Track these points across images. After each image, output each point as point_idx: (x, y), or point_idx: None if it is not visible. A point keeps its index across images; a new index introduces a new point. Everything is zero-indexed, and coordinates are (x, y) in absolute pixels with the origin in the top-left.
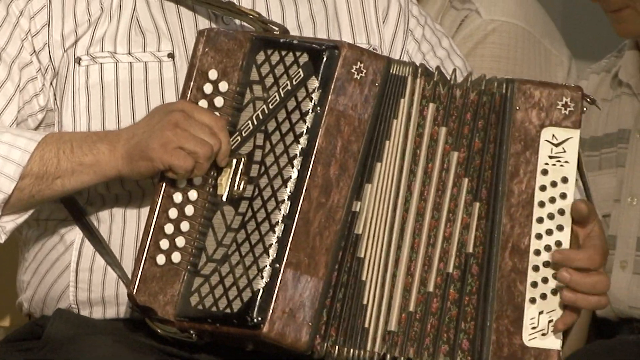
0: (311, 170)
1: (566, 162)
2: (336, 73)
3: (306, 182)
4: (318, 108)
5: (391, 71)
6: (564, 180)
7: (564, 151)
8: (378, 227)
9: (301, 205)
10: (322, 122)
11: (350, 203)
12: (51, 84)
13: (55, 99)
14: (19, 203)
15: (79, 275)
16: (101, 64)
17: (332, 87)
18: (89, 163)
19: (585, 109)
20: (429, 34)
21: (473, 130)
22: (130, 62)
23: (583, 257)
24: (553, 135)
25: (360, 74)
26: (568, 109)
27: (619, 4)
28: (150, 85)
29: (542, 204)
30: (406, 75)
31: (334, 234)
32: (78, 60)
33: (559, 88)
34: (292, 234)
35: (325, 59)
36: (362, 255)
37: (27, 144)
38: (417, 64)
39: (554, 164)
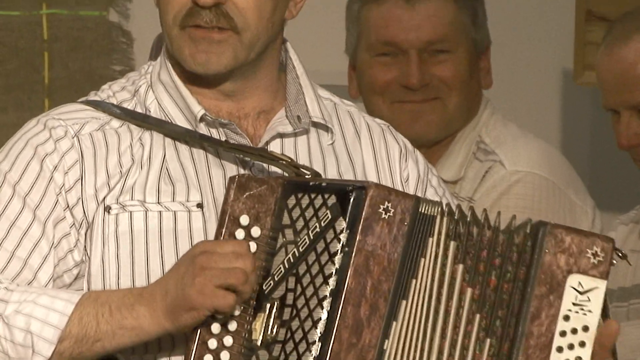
0: (341, 311)
1: (589, 311)
2: (364, 213)
3: (336, 323)
4: (346, 249)
5: (420, 210)
6: (585, 328)
7: (589, 300)
8: None
9: (332, 347)
10: (351, 262)
11: (382, 342)
12: (85, 236)
13: (85, 249)
14: None
15: None
16: (131, 212)
17: (360, 227)
18: (130, 327)
19: (614, 261)
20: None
21: (488, 266)
22: (160, 211)
23: None
24: (579, 283)
25: (388, 214)
26: (597, 258)
27: None
28: (180, 235)
29: (560, 349)
30: (435, 214)
31: None
32: (108, 209)
33: (590, 237)
34: None
35: (352, 200)
36: None
37: (65, 307)
38: (445, 203)
39: (577, 312)
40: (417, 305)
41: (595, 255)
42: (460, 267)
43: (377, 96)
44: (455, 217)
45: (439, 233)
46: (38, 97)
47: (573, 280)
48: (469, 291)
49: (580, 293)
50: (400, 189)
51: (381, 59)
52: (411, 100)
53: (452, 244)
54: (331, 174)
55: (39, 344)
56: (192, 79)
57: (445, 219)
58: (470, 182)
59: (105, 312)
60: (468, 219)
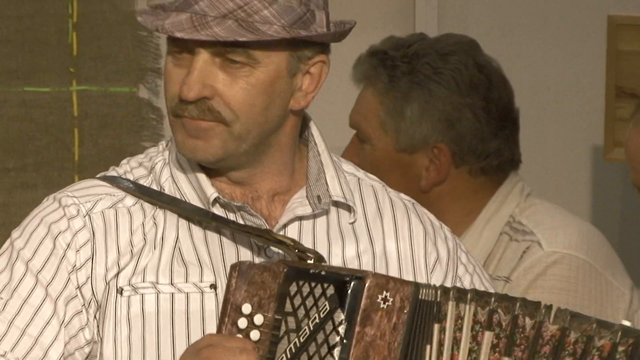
0: None
1: None
2: (362, 305)
3: None
4: (345, 341)
5: (420, 296)
6: None
7: None
8: None
9: None
10: (350, 354)
11: None
12: (95, 317)
13: (98, 330)
14: None
15: None
16: (143, 294)
17: (359, 318)
18: None
19: None
20: (477, 282)
21: None
22: (172, 293)
23: None
24: None
25: (387, 303)
26: None
27: None
28: (192, 316)
29: None
30: (436, 299)
31: None
32: (120, 291)
33: None
34: None
35: (350, 291)
36: None
37: None
38: (449, 286)
39: None
40: None
41: None
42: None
43: None
44: (492, 307)
45: (452, 319)
46: (68, 173)
47: None
48: None
49: None
50: (424, 270)
51: None
52: None
53: (488, 334)
54: (350, 254)
55: None
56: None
57: (468, 306)
58: (508, 262)
59: None
60: (492, 307)
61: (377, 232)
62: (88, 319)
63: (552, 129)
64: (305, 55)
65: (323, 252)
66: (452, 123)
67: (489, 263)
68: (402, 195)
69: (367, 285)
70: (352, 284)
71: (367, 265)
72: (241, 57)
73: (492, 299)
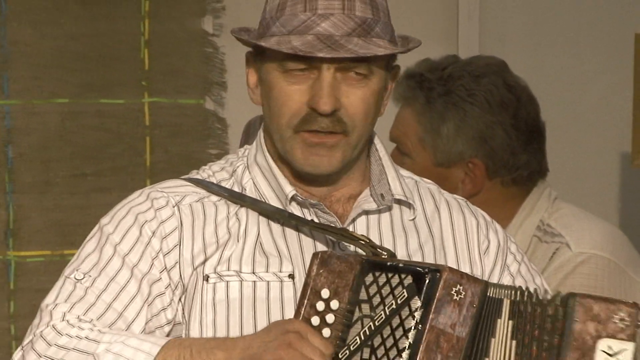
0: None
1: None
2: (437, 294)
3: None
4: (420, 326)
5: (488, 294)
6: None
7: None
8: None
9: None
10: (423, 338)
11: None
12: (180, 299)
13: (183, 313)
14: None
15: None
16: (227, 281)
17: (434, 307)
18: None
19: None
20: (524, 270)
21: (531, 338)
22: (254, 281)
23: None
24: (609, 347)
25: (460, 296)
26: (624, 323)
27: None
28: (272, 303)
29: None
30: (502, 297)
31: None
32: (206, 278)
33: (616, 303)
34: None
35: (427, 281)
36: None
37: (151, 348)
38: (516, 287)
39: None
40: None
41: (622, 320)
42: (514, 343)
43: None
44: (517, 299)
45: (505, 314)
46: (140, 178)
47: (603, 344)
48: None
49: (611, 355)
50: (478, 259)
51: None
52: None
53: (510, 323)
54: (413, 247)
55: None
56: (288, 165)
57: (509, 302)
58: (539, 262)
59: (186, 354)
60: (525, 299)
61: (435, 226)
62: (172, 299)
63: (584, 137)
64: (391, 67)
65: (388, 245)
66: (485, 140)
67: None
68: (455, 195)
69: (444, 277)
70: (430, 275)
71: (429, 256)
72: (365, 70)
73: (518, 293)
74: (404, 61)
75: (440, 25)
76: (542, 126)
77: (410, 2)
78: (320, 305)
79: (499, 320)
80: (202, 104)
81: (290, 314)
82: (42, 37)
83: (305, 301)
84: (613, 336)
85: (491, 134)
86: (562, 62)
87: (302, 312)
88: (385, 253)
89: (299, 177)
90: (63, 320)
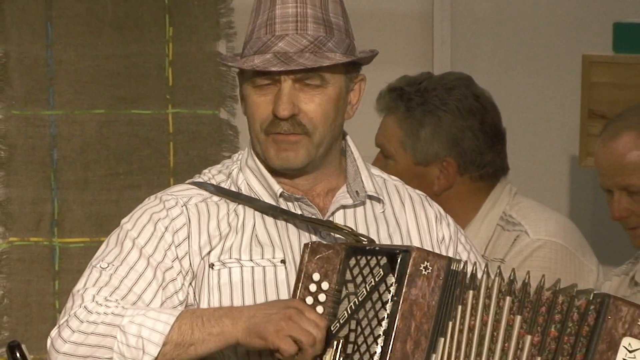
0: (392, 346)
1: None
2: (409, 270)
3: (388, 355)
4: (395, 298)
5: (452, 267)
6: None
7: (635, 357)
8: None
9: None
10: (399, 309)
11: None
12: (190, 284)
13: (194, 296)
14: None
15: None
16: (230, 267)
17: (406, 281)
18: (215, 333)
19: None
20: (472, 258)
21: (548, 320)
22: (252, 267)
23: None
24: (629, 344)
25: (427, 270)
26: None
27: (634, 224)
28: (268, 285)
29: None
30: (464, 270)
31: None
32: (211, 266)
33: None
34: None
35: (399, 260)
36: None
37: (168, 318)
38: (472, 262)
39: None
40: (454, 343)
41: None
42: (518, 318)
43: None
44: (504, 279)
45: (484, 288)
46: (165, 177)
47: (625, 341)
48: (528, 338)
49: (630, 351)
50: (436, 246)
51: None
52: None
53: (508, 299)
54: (383, 235)
55: (148, 346)
56: (274, 169)
57: (492, 278)
58: (502, 247)
59: (198, 322)
60: (515, 280)
61: (401, 218)
62: (183, 284)
63: (540, 142)
64: (353, 75)
65: (363, 232)
66: (457, 142)
67: (488, 248)
68: (417, 190)
69: (412, 256)
70: (401, 255)
71: (397, 243)
72: (317, 80)
73: (497, 273)
74: (387, 78)
75: (418, 48)
76: (503, 131)
77: (391, 29)
78: (312, 287)
79: (471, 292)
80: (217, 114)
81: (283, 293)
82: (82, 58)
83: (300, 284)
84: (635, 336)
85: (462, 136)
86: (521, 79)
87: (298, 293)
88: (365, 240)
89: (280, 174)
90: (93, 301)
